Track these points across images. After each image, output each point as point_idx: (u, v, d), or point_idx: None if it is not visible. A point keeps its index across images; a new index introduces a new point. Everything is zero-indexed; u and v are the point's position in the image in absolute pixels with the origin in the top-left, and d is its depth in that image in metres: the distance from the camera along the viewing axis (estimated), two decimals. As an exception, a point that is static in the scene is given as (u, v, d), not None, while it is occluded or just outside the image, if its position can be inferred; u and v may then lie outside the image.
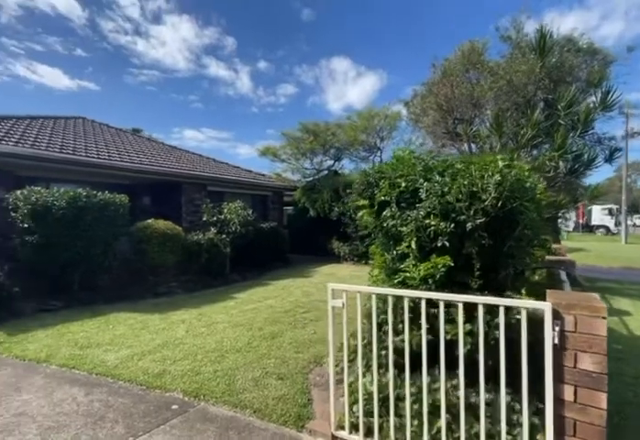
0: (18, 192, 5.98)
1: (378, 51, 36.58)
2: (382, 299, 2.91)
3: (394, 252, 3.04)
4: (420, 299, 2.36)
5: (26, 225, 5.84)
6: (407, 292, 2.45)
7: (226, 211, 9.59)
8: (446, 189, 2.65)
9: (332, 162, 14.06)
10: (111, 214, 6.69)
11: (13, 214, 5.94)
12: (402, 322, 2.57)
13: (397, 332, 2.84)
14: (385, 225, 2.98)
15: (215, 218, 9.29)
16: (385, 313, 2.77)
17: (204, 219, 9.35)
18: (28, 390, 3.38)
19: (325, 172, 13.72)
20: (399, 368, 2.80)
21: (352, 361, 3.15)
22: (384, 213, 2.99)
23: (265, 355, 4.23)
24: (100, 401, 3.19)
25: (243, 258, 10.31)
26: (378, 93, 39.64)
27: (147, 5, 34.60)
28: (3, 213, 6.73)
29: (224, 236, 8.91)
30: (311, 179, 13.66)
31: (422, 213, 2.69)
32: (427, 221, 2.64)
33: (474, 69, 7.80)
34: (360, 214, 3.38)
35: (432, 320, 2.55)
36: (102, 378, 3.66)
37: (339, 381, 3.18)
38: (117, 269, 7.53)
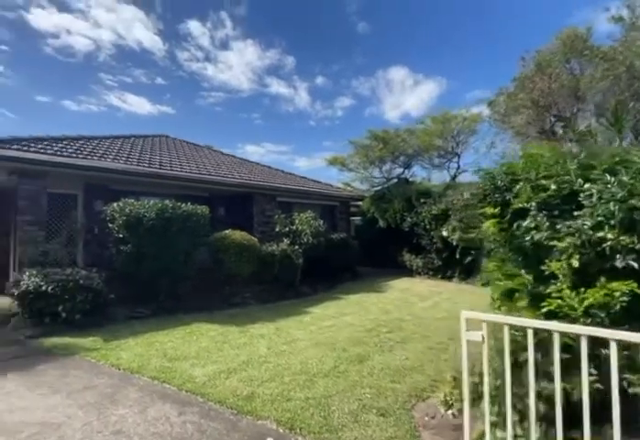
0: (115, 204, 6.40)
1: (435, 58, 35.10)
2: (518, 330, 2.33)
3: (535, 272, 2.43)
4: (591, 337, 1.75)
5: (120, 236, 6.19)
6: (586, 330, 1.83)
7: (297, 222, 9.49)
8: (624, 192, 2.01)
9: (401, 170, 13.46)
10: (193, 225, 6.86)
11: (110, 225, 6.34)
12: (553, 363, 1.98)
13: (546, 375, 2.23)
14: (525, 237, 2.40)
15: (287, 229, 9.22)
16: (525, 349, 2.18)
17: (277, 230, 9.33)
18: (124, 404, 3.32)
19: (395, 181, 13.14)
20: (548, 421, 2.20)
21: (476, 404, 2.58)
22: (525, 223, 2.40)
23: (357, 382, 3.78)
24: (193, 424, 2.99)
25: (313, 270, 10.07)
26: (436, 100, 37.91)
27: (216, 34, 37.40)
28: (100, 224, 7.28)
29: (296, 247, 8.77)
30: (379, 188, 13.17)
31: (588, 223, 2.07)
32: (600, 233, 2.02)
33: (579, 57, 6.75)
34: (486, 224, 2.81)
35: (596, 362, 1.95)
36: (192, 396, 3.50)
37: (457, 427, 2.62)
38: (194, 278, 7.70)
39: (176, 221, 6.56)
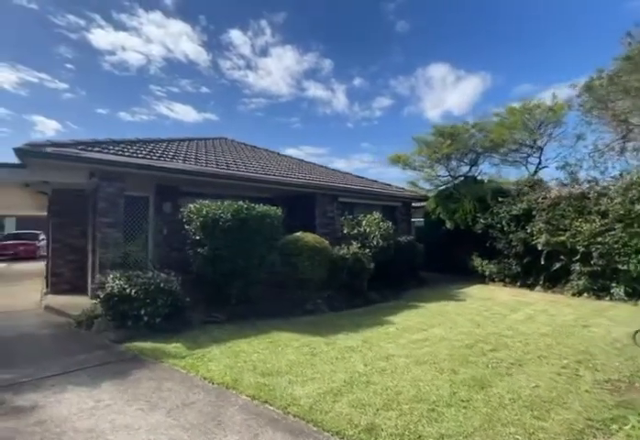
0: (191, 205, 6.25)
1: (478, 53, 32.81)
2: None
3: None
4: None
5: (197, 238, 6.01)
6: None
7: (364, 223, 8.94)
8: None
9: (467, 168, 12.46)
10: (267, 227, 6.55)
11: (187, 227, 6.19)
12: None
13: None
14: None
15: (355, 231, 8.71)
16: None
17: (345, 231, 8.85)
18: (231, 429, 2.94)
19: (461, 179, 12.17)
20: None
21: None
22: None
23: (492, 416, 3.13)
24: (316, 462, 2.53)
25: (377, 275, 9.46)
26: (480, 97, 35.43)
27: (256, 41, 38.32)
28: (174, 226, 7.20)
29: (367, 250, 8.23)
30: (444, 187, 12.27)
31: None
32: None
33: None
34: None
35: None
36: (302, 422, 3.06)
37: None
38: (264, 282, 7.40)
39: (251, 222, 6.28)
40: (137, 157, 7.08)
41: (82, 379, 3.91)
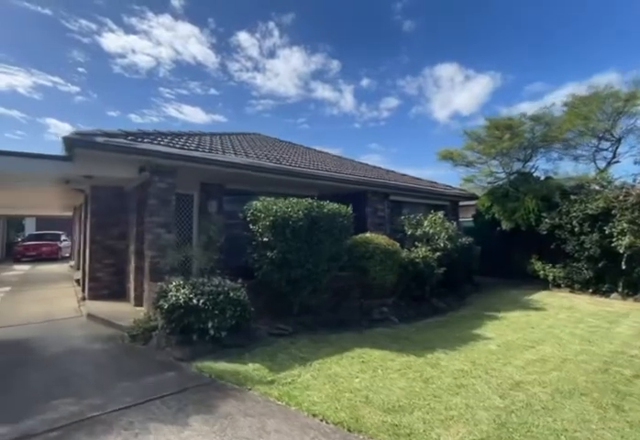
0: (256, 203, 5.50)
1: (487, 52, 31.66)
2: None
3: None
4: None
5: (265, 239, 5.26)
6: None
7: (426, 223, 8.12)
8: None
9: (521, 164, 11.54)
10: (338, 227, 5.79)
11: (252, 227, 5.45)
12: None
13: None
14: None
15: (420, 232, 7.89)
16: None
17: (409, 233, 8.03)
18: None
19: (515, 176, 11.25)
20: None
21: None
22: None
23: None
24: None
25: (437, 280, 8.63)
26: (490, 97, 34.29)
27: (264, 43, 37.91)
28: (221, 226, 6.45)
29: (436, 253, 7.40)
30: (497, 185, 11.37)
31: None
32: None
33: None
34: None
35: None
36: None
37: None
38: (327, 288, 6.63)
39: (322, 222, 5.52)
40: (190, 149, 6.37)
41: (163, 412, 3.17)
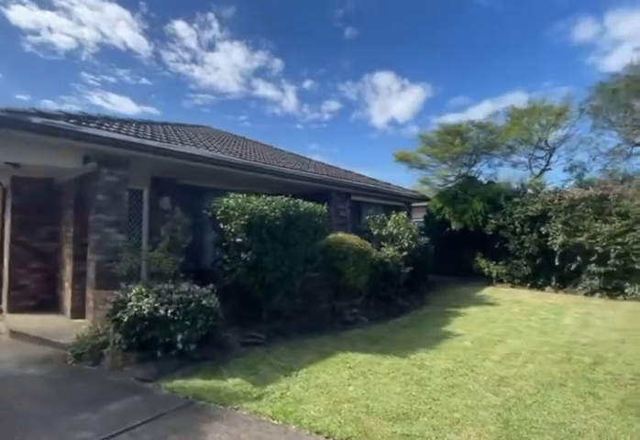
0: (227, 200, 5.00)
1: (420, 63, 34.79)
2: None
3: None
4: None
5: (238, 240, 4.80)
6: None
7: (390, 224, 8.22)
8: None
9: (466, 169, 12.36)
10: (313, 227, 5.53)
11: (222, 227, 4.94)
12: None
13: None
14: None
15: (386, 232, 7.94)
16: None
17: (375, 233, 8.03)
18: None
19: (462, 180, 12.01)
20: None
21: None
22: None
23: None
24: None
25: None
26: (422, 106, 37.55)
27: (202, 35, 36.28)
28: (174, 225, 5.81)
29: (404, 253, 7.50)
30: (446, 187, 12.02)
31: None
32: None
33: None
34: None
35: None
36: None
37: None
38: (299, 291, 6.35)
39: (299, 222, 5.22)
40: (146, 138, 5.62)
41: (140, 448, 2.65)
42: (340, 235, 6.50)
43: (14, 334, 5.35)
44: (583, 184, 9.53)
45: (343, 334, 5.70)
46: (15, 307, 6.42)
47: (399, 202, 12.11)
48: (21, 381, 3.81)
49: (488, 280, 10.95)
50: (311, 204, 5.59)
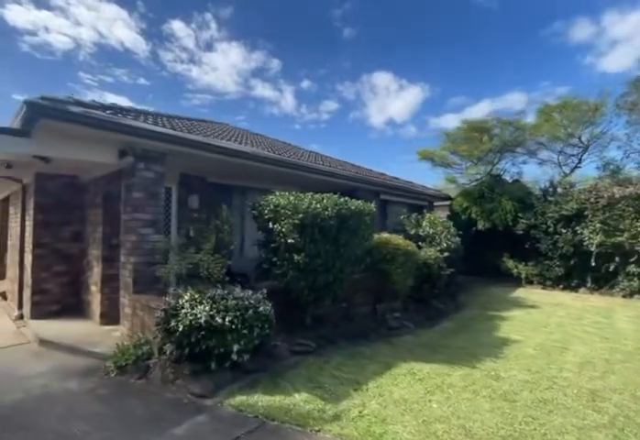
0: (280, 198, 4.62)
1: (418, 64, 34.66)
2: None
3: None
4: None
5: (290, 241, 4.43)
6: None
7: (425, 223, 7.87)
8: None
9: (490, 167, 12.02)
10: (364, 227, 5.17)
11: (272, 227, 4.56)
12: None
13: None
14: None
15: (423, 232, 7.60)
16: None
17: (412, 232, 7.69)
18: None
19: (486, 178, 11.68)
20: None
21: None
22: None
23: None
24: None
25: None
26: (420, 106, 37.35)
27: (200, 35, 35.90)
28: (204, 224, 5.46)
29: (445, 254, 7.17)
30: (473, 185, 11.68)
31: None
32: None
33: None
34: None
35: None
36: None
37: None
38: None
39: (351, 221, 4.87)
40: (183, 132, 5.24)
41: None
42: (385, 235, 6.15)
43: (43, 342, 4.97)
44: (620, 182, 9.22)
45: (394, 340, 5.35)
46: (38, 312, 6.03)
47: (423, 201, 11.77)
48: (65, 398, 3.43)
49: (516, 281, 10.63)
50: (359, 202, 5.23)
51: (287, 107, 44.00)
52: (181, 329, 3.51)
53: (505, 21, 27.46)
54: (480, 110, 34.50)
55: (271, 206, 4.58)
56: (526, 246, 10.20)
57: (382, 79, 38.07)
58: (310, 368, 4.19)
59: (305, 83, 41.06)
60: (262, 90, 42.81)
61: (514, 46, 28.78)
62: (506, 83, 33.74)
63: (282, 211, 4.48)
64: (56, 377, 3.90)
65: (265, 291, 4.17)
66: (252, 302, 3.93)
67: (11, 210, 8.14)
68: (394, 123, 42.29)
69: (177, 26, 36.33)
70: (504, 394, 3.53)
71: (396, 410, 3.21)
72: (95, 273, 5.89)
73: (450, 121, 41.60)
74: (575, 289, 9.64)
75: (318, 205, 4.53)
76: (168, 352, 3.71)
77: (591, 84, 25.78)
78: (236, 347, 3.68)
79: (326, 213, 4.51)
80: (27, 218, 6.49)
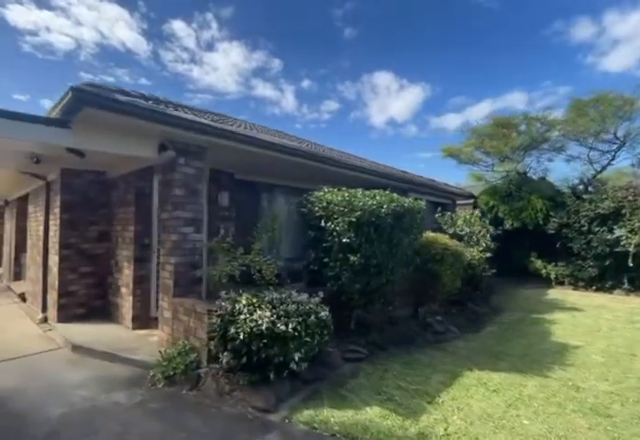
0: (333, 194, 4.31)
1: (419, 64, 34.56)
2: None
3: None
4: None
5: (345, 240, 4.12)
6: None
7: (460, 222, 7.57)
8: None
9: (515, 164, 11.70)
10: (416, 225, 4.87)
11: (325, 225, 4.26)
12: None
13: None
14: None
15: (462, 231, 7.29)
16: None
17: (450, 232, 7.38)
18: None
19: (511, 176, 11.35)
20: None
21: None
22: None
23: None
24: None
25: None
26: (421, 106, 37.24)
27: (201, 34, 35.75)
28: (226, 222, 5.15)
29: (488, 254, 6.86)
30: (498, 183, 11.36)
31: None
32: None
33: None
34: None
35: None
36: None
37: None
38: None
39: (406, 218, 4.56)
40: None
41: None
42: (431, 234, 5.84)
43: (76, 348, 4.67)
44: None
45: (446, 346, 5.05)
46: (64, 316, 5.73)
47: (446, 199, 11.44)
48: (115, 413, 3.13)
49: (545, 282, 10.31)
50: (410, 199, 4.92)
51: (288, 107, 43.79)
52: (241, 337, 3.21)
53: (506, 21, 27.26)
54: (480, 110, 34.30)
55: (324, 203, 4.27)
56: (557, 245, 9.87)
57: (383, 79, 37.93)
58: (370, 377, 3.89)
59: (306, 83, 40.90)
60: (263, 90, 42.67)
61: (515, 45, 28.63)
62: (507, 83, 33.62)
63: (336, 208, 4.17)
64: (99, 388, 3.60)
65: (322, 294, 3.86)
66: (312, 306, 3.63)
67: (30, 209, 7.85)
68: (395, 122, 42.11)
69: (178, 25, 36.13)
70: (594, 408, 3.22)
71: (485, 427, 2.90)
72: (126, 274, 5.59)
73: (451, 121, 41.44)
74: (609, 290, 9.33)
75: (374, 202, 4.22)
76: (224, 361, 3.41)
77: (593, 84, 25.61)
78: (297, 356, 3.38)
79: (382, 210, 4.20)
80: (51, 217, 6.20)
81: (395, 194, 4.75)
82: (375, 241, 4.25)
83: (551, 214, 9.77)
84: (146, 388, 3.59)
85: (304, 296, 3.78)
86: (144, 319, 5.47)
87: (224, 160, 5.98)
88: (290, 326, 3.29)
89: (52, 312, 5.89)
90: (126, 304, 5.49)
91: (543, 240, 10.20)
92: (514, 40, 28.35)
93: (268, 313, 3.32)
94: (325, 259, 4.32)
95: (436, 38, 30.66)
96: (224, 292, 3.68)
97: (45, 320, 6.07)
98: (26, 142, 3.82)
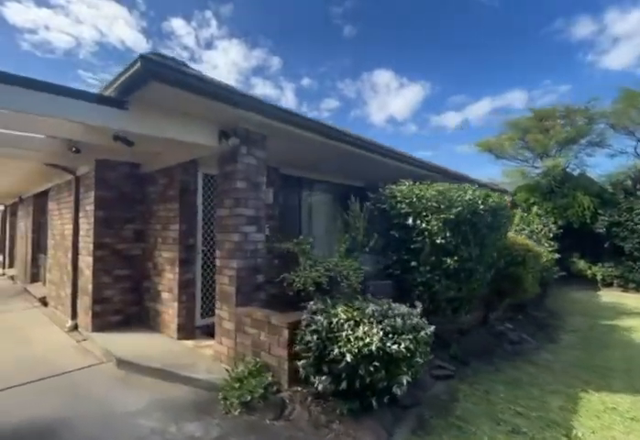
0: (424, 189, 3.74)
1: (419, 62, 34.16)
2: None
3: None
4: None
5: (440, 241, 3.56)
6: None
7: (516, 220, 7.00)
8: None
9: (551, 160, 11.12)
10: (500, 223, 4.30)
11: (413, 223, 3.69)
12: None
13: None
14: None
15: (525, 231, 6.73)
16: None
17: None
18: None
19: (551, 171, 10.78)
20: None
21: None
22: None
23: None
24: None
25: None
26: (421, 104, 36.89)
27: (201, 33, 35.20)
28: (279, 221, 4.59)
29: (557, 256, 6.31)
30: (535, 180, 10.80)
31: None
32: None
33: None
34: None
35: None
36: None
37: None
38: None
39: (499, 216, 4.01)
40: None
41: None
42: (510, 233, 5.30)
43: (122, 363, 4.11)
44: None
45: (533, 359, 4.50)
46: (99, 324, 5.17)
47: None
48: (197, 452, 2.58)
49: (589, 284, 9.76)
50: (495, 195, 4.35)
51: (288, 105, 43.39)
52: (348, 359, 2.65)
53: (506, 19, 26.78)
54: (480, 108, 33.87)
55: (413, 198, 3.70)
56: (606, 245, 9.33)
57: (383, 77, 37.54)
58: (473, 400, 3.34)
59: (306, 81, 40.42)
60: (263, 87, 42.17)
61: (515, 44, 28.19)
62: (507, 82, 33.23)
63: (429, 204, 3.60)
64: (165, 416, 3.04)
65: (421, 305, 3.30)
66: (417, 320, 3.07)
67: (51, 206, 7.26)
68: (395, 121, 41.70)
69: (177, 24, 35.49)
70: None
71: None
72: (168, 278, 5.03)
73: (451, 119, 40.98)
74: (665, 293, 8.80)
75: (471, 197, 3.65)
76: (319, 386, 2.85)
77: (593, 82, 25.12)
78: (405, 379, 2.83)
79: (480, 206, 3.64)
80: (81, 215, 5.62)
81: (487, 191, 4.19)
82: (471, 242, 3.69)
83: (599, 211, 9.22)
84: (219, 416, 3.04)
85: (404, 307, 3.23)
86: (189, 328, 4.93)
87: (272, 153, 5.43)
88: (402, 345, 2.73)
89: (85, 319, 5.33)
90: (170, 311, 4.94)
91: (587, 239, 9.66)
92: (515, 39, 27.93)
93: (375, 330, 2.76)
94: (413, 263, 3.76)
95: (436, 37, 30.20)
96: (311, 303, 3.12)
97: (75, 327, 5.51)
98: (71, 126, 3.24)
